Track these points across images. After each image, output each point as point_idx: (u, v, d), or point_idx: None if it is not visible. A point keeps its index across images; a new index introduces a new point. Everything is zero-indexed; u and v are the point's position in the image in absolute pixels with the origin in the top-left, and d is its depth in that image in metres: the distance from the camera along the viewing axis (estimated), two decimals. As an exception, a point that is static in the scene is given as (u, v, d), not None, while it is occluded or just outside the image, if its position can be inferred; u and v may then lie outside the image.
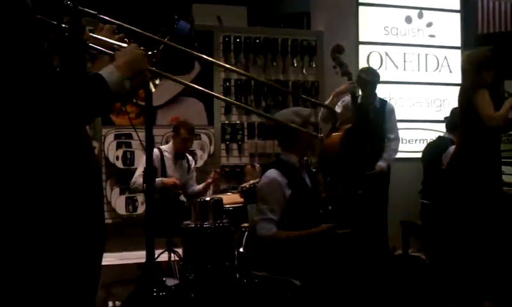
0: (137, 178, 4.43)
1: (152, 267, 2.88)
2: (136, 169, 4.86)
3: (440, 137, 4.82)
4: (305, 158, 3.06)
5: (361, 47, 5.69)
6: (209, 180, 4.75)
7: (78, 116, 1.51)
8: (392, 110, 4.77)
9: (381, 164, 4.47)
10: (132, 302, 2.97)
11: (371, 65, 5.49)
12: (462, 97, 3.61)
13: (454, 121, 4.18)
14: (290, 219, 2.81)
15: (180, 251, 4.17)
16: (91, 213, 2.54)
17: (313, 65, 5.94)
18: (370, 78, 4.60)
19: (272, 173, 2.87)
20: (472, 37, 7.29)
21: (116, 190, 5.48)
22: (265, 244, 2.83)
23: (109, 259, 4.96)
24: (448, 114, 4.72)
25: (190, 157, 4.95)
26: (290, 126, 2.79)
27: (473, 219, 3.43)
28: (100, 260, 2.48)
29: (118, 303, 3.68)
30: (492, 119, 3.30)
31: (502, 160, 4.08)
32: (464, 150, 3.58)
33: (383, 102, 4.77)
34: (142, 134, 3.09)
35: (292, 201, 2.82)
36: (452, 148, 3.97)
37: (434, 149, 4.59)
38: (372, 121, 4.59)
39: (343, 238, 2.73)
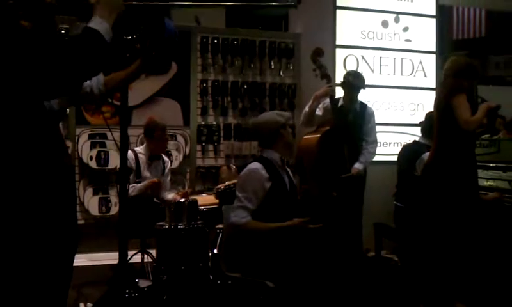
0: (133, 184, 4.36)
1: (124, 268, 2.87)
2: (110, 170, 4.80)
3: (415, 142, 4.87)
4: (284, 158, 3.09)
5: (338, 50, 5.72)
6: (179, 193, 4.67)
7: (86, 70, 1.53)
8: (372, 114, 4.80)
9: (358, 166, 4.50)
10: (104, 303, 2.93)
11: (348, 68, 5.52)
12: (440, 101, 3.67)
13: (429, 125, 4.23)
14: (266, 213, 2.84)
15: (153, 252, 4.13)
16: (63, 212, 2.49)
17: (291, 67, 5.96)
18: (357, 82, 4.63)
19: (255, 164, 2.96)
20: (447, 42, 7.41)
21: (89, 190, 5.41)
22: (236, 232, 2.85)
23: (81, 260, 4.90)
24: (422, 118, 4.78)
25: (166, 158, 4.90)
26: (272, 124, 2.96)
27: (449, 222, 3.47)
28: (72, 261, 2.43)
29: (89, 304, 3.62)
30: (469, 124, 3.38)
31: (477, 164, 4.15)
32: (440, 154, 3.63)
33: (363, 106, 4.80)
34: (117, 134, 3.07)
35: (270, 195, 2.86)
36: (425, 155, 4.01)
37: (409, 154, 4.63)
38: (351, 124, 4.62)
39: (315, 233, 2.74)
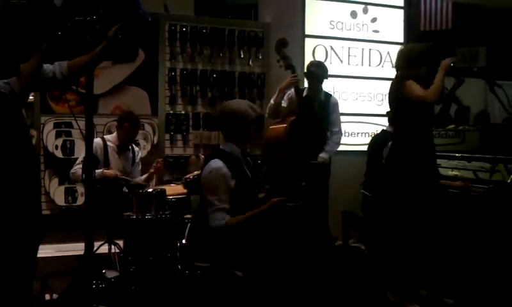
0: (77, 168, 4.30)
1: (90, 259, 2.82)
2: (76, 159, 4.70)
3: (383, 130, 4.94)
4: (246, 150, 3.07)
5: (307, 40, 5.74)
6: (152, 170, 4.66)
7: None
8: (336, 104, 4.85)
9: (323, 155, 4.54)
10: (70, 294, 2.89)
11: (317, 58, 5.54)
12: (392, 91, 3.72)
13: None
14: (236, 207, 2.82)
15: (121, 242, 4.09)
16: (27, 202, 2.44)
17: (260, 57, 5.93)
18: (319, 72, 4.66)
19: (217, 163, 2.86)
20: (414, 34, 7.50)
21: (55, 180, 5.29)
22: (220, 234, 2.82)
23: (47, 251, 4.80)
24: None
25: (136, 148, 4.84)
26: (244, 118, 2.90)
27: (409, 210, 3.54)
28: (36, 251, 2.38)
29: (55, 296, 3.56)
30: (426, 97, 3.41)
31: (439, 153, 4.23)
32: (397, 143, 3.69)
33: (328, 96, 4.84)
34: (82, 123, 3.00)
35: (236, 191, 2.84)
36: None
37: (377, 142, 4.70)
38: (317, 114, 4.65)
39: (294, 211, 2.74)
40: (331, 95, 4.89)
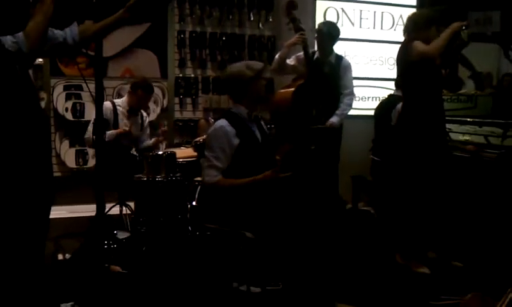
0: (90, 131, 4.32)
1: (102, 219, 2.84)
2: (86, 121, 4.72)
3: (390, 95, 4.89)
4: (256, 112, 3.05)
5: (318, 2, 5.64)
6: (160, 138, 4.67)
7: None
8: (348, 67, 4.75)
9: (334, 119, 4.49)
10: (82, 254, 2.94)
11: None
12: (400, 55, 3.68)
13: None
14: (238, 168, 2.82)
15: (132, 204, 4.13)
16: (37, 164, 2.45)
17: (270, 20, 5.86)
18: (330, 31, 4.55)
19: (220, 122, 2.90)
20: (427, -3, 7.35)
21: (66, 142, 5.33)
22: (208, 191, 2.85)
23: (59, 212, 4.88)
24: (401, 73, 4.79)
25: (145, 113, 4.84)
26: (240, 78, 2.86)
27: (418, 173, 3.53)
28: (48, 213, 2.40)
29: (67, 255, 3.62)
30: (428, 50, 3.37)
31: (451, 118, 4.20)
32: (406, 107, 3.66)
33: (339, 58, 4.74)
34: (92, 86, 2.99)
35: (240, 150, 2.83)
36: (400, 106, 4.05)
37: (385, 106, 4.66)
38: (327, 77, 4.58)
39: (286, 181, 2.74)
40: (342, 57, 4.78)
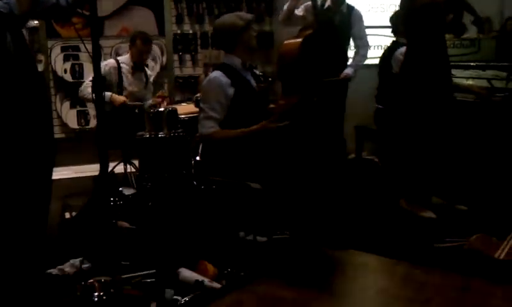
0: (86, 86, 4.29)
1: (106, 176, 2.86)
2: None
3: (393, 41, 4.81)
4: (250, 63, 3.04)
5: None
6: (158, 99, 4.61)
7: None
8: (360, 16, 4.62)
9: (348, 71, 4.42)
10: (88, 211, 2.96)
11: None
12: (404, 2, 3.62)
13: (396, 24, 4.20)
14: (235, 118, 2.82)
15: (136, 162, 4.14)
16: (36, 126, 2.44)
17: (268, -31, 5.74)
18: None
19: (214, 73, 2.90)
20: None
21: (66, 104, 5.31)
22: (205, 142, 2.86)
23: (65, 172, 4.91)
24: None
25: (149, 71, 4.80)
26: (232, 28, 2.86)
27: (422, 119, 3.51)
28: (50, 174, 2.40)
29: (74, 213, 3.65)
30: None
31: (455, 63, 4.15)
32: (411, 54, 3.62)
33: (350, 8, 4.62)
34: (90, 46, 2.96)
35: (236, 100, 2.83)
36: (398, 51, 4.01)
37: (387, 54, 4.60)
38: (337, 27, 4.48)
39: (283, 130, 2.73)
40: (353, 7, 4.65)
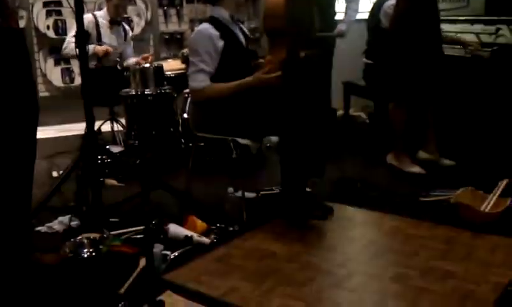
0: (69, 42, 4.20)
1: (93, 133, 2.82)
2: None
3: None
4: (237, 16, 2.97)
5: None
6: (142, 58, 4.51)
7: None
8: None
9: (342, 27, 4.34)
10: (76, 168, 2.93)
11: None
12: None
13: None
14: (224, 73, 2.76)
15: (123, 121, 4.10)
16: (17, 81, 2.37)
17: None
18: None
19: (203, 25, 2.84)
20: None
21: (50, 61, 5.21)
22: (196, 97, 2.81)
23: (51, 132, 4.86)
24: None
25: (127, 27, 4.69)
26: None
27: (411, 74, 3.50)
28: (35, 133, 2.35)
29: (62, 172, 3.62)
30: None
31: (442, 18, 4.10)
32: (400, 7, 3.57)
33: None
34: (72, 0, 2.87)
35: (226, 53, 2.77)
36: (386, 5, 3.95)
37: (375, 7, 4.52)
38: None
39: (275, 82, 2.68)
40: None
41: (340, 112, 4.67)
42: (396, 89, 3.61)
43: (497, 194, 2.79)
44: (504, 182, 2.87)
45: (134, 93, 3.74)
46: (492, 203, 2.73)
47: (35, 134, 2.32)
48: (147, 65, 3.95)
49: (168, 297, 1.97)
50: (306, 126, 2.67)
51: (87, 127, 2.81)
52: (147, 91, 3.72)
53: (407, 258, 2.27)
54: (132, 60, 4.48)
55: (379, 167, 3.64)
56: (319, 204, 2.83)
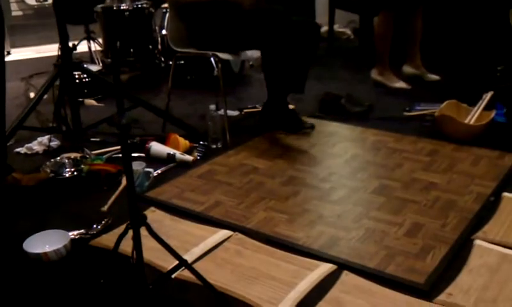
0: None
1: (67, 49, 2.71)
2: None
3: None
4: None
5: None
6: None
7: None
8: None
9: None
10: (51, 87, 2.83)
11: None
12: None
13: None
14: None
15: (100, 40, 3.95)
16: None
17: None
18: None
19: None
20: None
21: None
22: (174, 7, 2.70)
23: (26, 53, 4.69)
24: None
25: None
26: None
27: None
28: (2, 52, 2.23)
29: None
30: None
31: None
32: None
33: None
34: None
35: None
36: None
37: None
38: None
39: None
40: None
41: (324, 28, 4.55)
42: (383, 2, 3.49)
43: (481, 107, 2.77)
44: (489, 95, 2.84)
45: (109, 8, 3.57)
46: (476, 115, 2.71)
47: (3, 56, 2.21)
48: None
49: (151, 214, 1.96)
50: (288, 42, 2.59)
51: (60, 43, 2.69)
52: (123, 6, 3.56)
53: (390, 171, 2.28)
54: None
55: (364, 83, 3.59)
56: (300, 120, 2.81)
